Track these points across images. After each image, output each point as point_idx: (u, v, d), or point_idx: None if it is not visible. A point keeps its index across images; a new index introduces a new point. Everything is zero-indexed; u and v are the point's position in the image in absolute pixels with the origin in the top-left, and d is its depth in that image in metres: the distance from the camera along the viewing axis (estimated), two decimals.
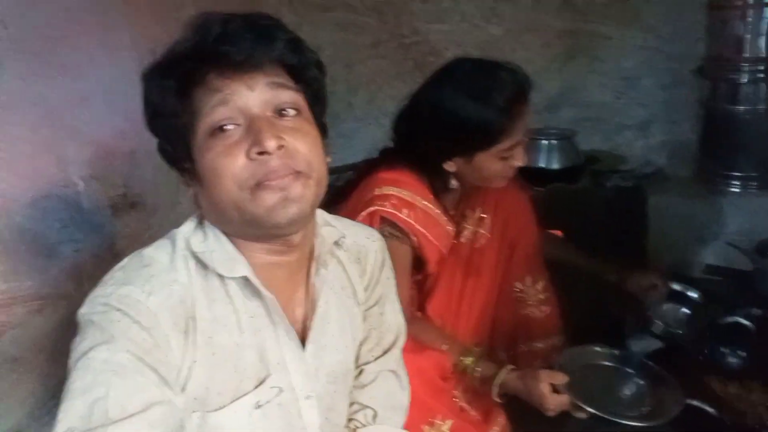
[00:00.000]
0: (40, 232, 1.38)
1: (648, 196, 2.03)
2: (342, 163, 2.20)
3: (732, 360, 1.41)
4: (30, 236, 1.37)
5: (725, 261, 1.85)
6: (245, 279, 0.81)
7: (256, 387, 0.82)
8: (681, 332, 1.43)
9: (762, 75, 1.82)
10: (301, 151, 0.77)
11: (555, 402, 1.19)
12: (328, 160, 0.85)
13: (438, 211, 1.36)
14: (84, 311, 0.76)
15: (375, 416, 1.00)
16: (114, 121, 1.57)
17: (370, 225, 1.26)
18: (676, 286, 1.50)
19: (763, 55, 1.80)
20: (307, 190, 0.78)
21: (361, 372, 1.02)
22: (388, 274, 1.04)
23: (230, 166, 0.75)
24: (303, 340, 0.88)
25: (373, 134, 2.41)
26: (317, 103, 0.85)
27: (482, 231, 1.45)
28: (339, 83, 2.43)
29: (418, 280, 1.45)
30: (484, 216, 1.46)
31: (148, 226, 1.59)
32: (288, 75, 0.80)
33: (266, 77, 0.77)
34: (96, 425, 0.68)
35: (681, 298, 1.50)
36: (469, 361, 1.30)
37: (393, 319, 1.05)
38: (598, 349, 1.35)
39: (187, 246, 0.82)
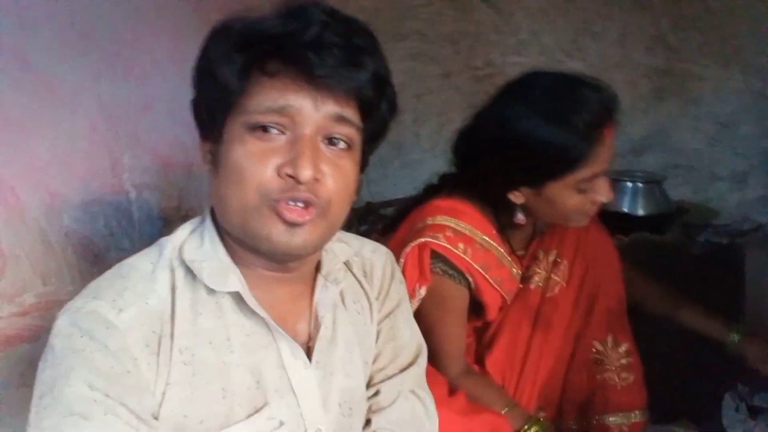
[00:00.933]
0: (87, 237, 1.34)
1: (746, 255, 1.81)
2: (404, 194, 2.11)
3: None
4: (76, 239, 1.32)
5: None
6: (238, 295, 0.75)
7: (250, 416, 0.73)
8: None
9: None
10: (331, 189, 0.73)
11: None
12: (355, 198, 0.81)
13: (502, 250, 1.20)
14: (54, 329, 0.71)
15: None
16: (174, 132, 1.53)
17: (419, 259, 1.13)
18: None
19: None
20: (317, 232, 0.73)
21: (377, 393, 0.90)
22: (398, 288, 0.96)
23: (258, 173, 0.70)
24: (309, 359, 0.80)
25: (439, 167, 2.30)
26: (373, 140, 0.80)
27: (557, 278, 1.27)
28: (407, 113, 2.35)
29: (477, 328, 1.28)
30: (560, 260, 1.27)
31: None
32: (358, 108, 0.75)
33: (336, 106, 0.72)
34: None
35: None
36: (533, 429, 1.13)
37: (408, 335, 0.95)
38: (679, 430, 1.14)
39: (177, 254, 0.77)
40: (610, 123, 1.07)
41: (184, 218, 1.52)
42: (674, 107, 2.13)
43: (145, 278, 0.74)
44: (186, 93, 1.52)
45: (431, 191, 1.26)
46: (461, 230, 1.15)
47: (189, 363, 0.72)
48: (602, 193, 1.10)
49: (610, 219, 1.45)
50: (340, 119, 0.73)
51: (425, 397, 0.94)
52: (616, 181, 1.87)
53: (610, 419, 1.27)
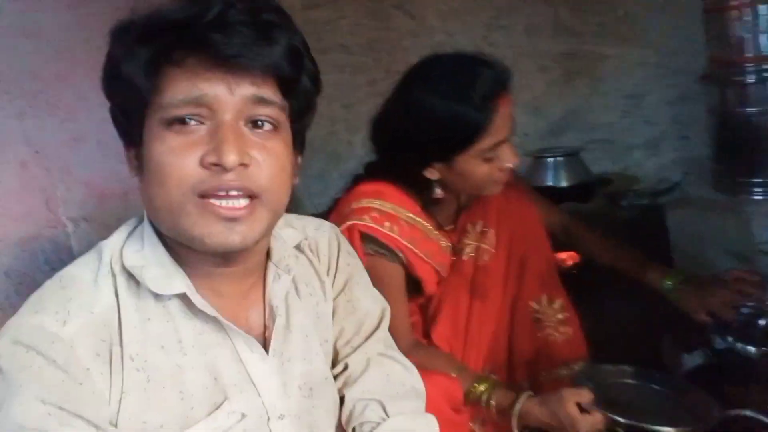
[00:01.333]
0: (29, 274, 1.34)
1: (667, 213, 1.95)
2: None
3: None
4: (17, 277, 1.32)
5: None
6: (185, 295, 0.72)
7: (210, 413, 0.72)
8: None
9: None
10: (265, 174, 0.69)
11: (588, 422, 1.05)
12: (296, 181, 0.78)
13: (428, 225, 1.26)
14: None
15: (385, 408, 0.87)
16: (107, 162, 1.54)
17: (351, 243, 1.18)
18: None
19: (767, 53, 1.75)
20: (257, 224, 0.70)
21: (345, 367, 0.90)
22: (348, 260, 0.94)
23: (179, 167, 0.67)
24: (264, 349, 0.79)
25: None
26: (301, 117, 0.76)
27: (486, 246, 1.33)
28: (338, 123, 2.42)
29: (421, 305, 1.34)
30: (487, 229, 1.34)
31: None
32: (277, 87, 0.71)
33: (252, 86, 0.68)
34: None
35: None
36: (482, 388, 1.17)
37: (368, 303, 0.94)
38: (615, 367, 1.22)
39: (117, 260, 0.73)
40: (504, 94, 1.15)
41: None
42: (584, 87, 2.28)
43: (88, 287, 0.71)
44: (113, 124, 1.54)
45: (357, 180, 1.31)
46: (386, 210, 1.20)
47: (142, 369, 0.70)
48: (507, 159, 1.17)
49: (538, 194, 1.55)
50: (260, 100, 0.69)
51: (396, 355, 0.94)
52: (537, 158, 1.99)
53: (558, 372, 1.33)
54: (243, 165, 0.67)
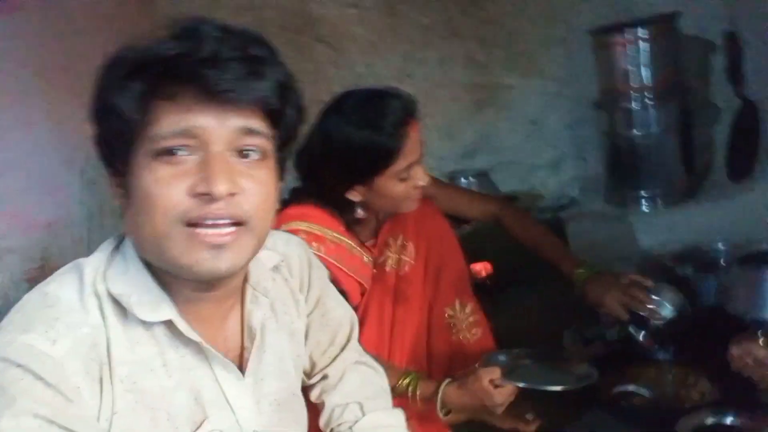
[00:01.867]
0: None
1: (565, 225, 2.14)
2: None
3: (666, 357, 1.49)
4: None
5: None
6: (170, 322, 0.73)
7: (194, 431, 0.76)
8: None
9: (650, 101, 2.00)
10: (252, 202, 0.70)
11: (501, 394, 1.19)
12: (277, 207, 0.80)
13: (351, 242, 1.37)
14: None
15: (362, 407, 0.95)
16: (32, 193, 1.55)
17: None
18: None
19: (647, 83, 1.99)
20: (244, 250, 0.71)
21: (324, 377, 0.97)
22: (319, 273, 0.98)
23: (168, 197, 0.67)
24: (240, 371, 0.82)
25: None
26: (285, 147, 0.77)
27: (406, 258, 1.45)
28: None
29: None
30: (407, 243, 1.46)
31: None
32: (265, 117, 0.72)
33: (240, 119, 0.69)
34: None
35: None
36: (407, 381, 1.27)
37: (340, 313, 1.00)
38: (513, 351, 1.38)
39: (101, 281, 0.73)
40: (412, 121, 1.28)
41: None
42: (492, 114, 2.47)
43: (74, 308, 0.70)
44: (36, 155, 1.55)
45: (283, 204, 1.40)
46: (313, 231, 1.29)
47: (131, 390, 0.71)
48: (419, 178, 1.31)
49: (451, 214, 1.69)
50: (248, 132, 0.70)
51: (368, 360, 1.02)
52: (451, 179, 2.15)
53: (464, 372, 1.43)
54: (231, 194, 0.68)
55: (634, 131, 2.05)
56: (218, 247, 0.68)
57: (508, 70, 2.43)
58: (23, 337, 0.66)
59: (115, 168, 0.72)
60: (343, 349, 0.99)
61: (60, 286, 0.72)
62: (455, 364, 1.45)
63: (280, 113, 0.73)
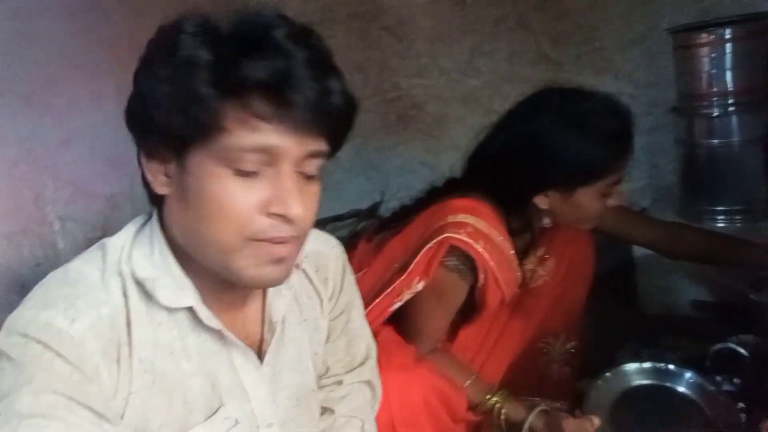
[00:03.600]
0: (13, 268, 1.38)
1: None
2: (331, 213, 2.21)
3: (726, 387, 1.36)
4: (2, 270, 1.36)
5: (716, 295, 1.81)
6: (191, 308, 0.74)
7: (207, 418, 0.75)
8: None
9: (732, 108, 1.86)
10: (309, 218, 0.71)
11: None
12: None
13: (512, 252, 1.25)
14: (1, 340, 0.67)
15: (362, 426, 0.94)
16: (95, 165, 1.59)
17: (434, 255, 1.17)
18: None
19: (731, 88, 1.85)
20: (294, 259, 0.73)
21: (339, 383, 0.96)
22: (351, 280, 0.97)
23: (241, 213, 0.67)
24: (260, 360, 0.82)
25: (360, 186, 2.44)
26: (332, 156, 0.77)
27: (542, 272, 1.34)
28: None
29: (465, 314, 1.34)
30: (549, 257, 1.35)
31: None
32: (329, 137, 0.71)
33: (315, 143, 0.69)
34: None
35: None
36: (495, 400, 1.20)
37: (361, 326, 0.98)
38: (628, 368, 1.21)
39: (126, 261, 0.72)
40: (630, 130, 1.19)
41: None
42: None
43: (96, 287, 0.70)
44: (103, 128, 1.59)
45: (438, 192, 1.31)
46: (481, 228, 1.18)
47: (149, 372, 0.71)
48: (619, 197, 1.21)
49: None
50: (318, 155, 0.70)
51: (377, 385, 1.00)
52: None
53: (539, 403, 1.31)
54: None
55: (714, 140, 1.90)
56: (280, 261, 0.70)
57: (580, 69, 2.31)
58: (44, 313, 0.67)
59: (159, 154, 0.69)
60: (361, 364, 0.97)
61: (83, 265, 0.73)
62: (529, 392, 1.35)
63: (342, 137, 0.73)
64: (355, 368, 0.97)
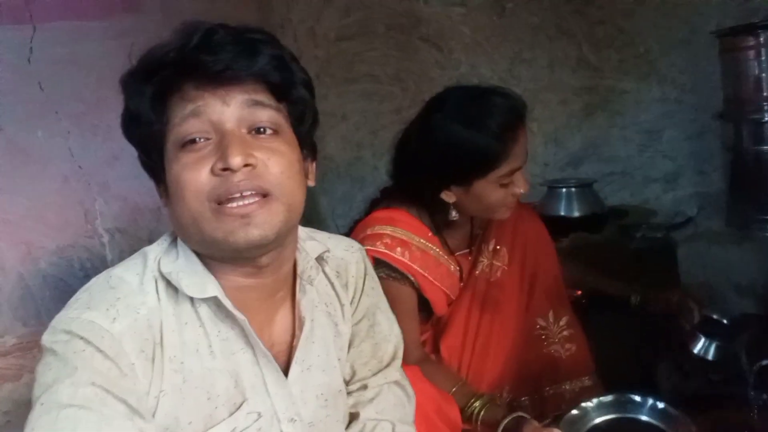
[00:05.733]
0: (64, 279, 1.45)
1: (678, 246, 1.96)
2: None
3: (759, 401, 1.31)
4: (53, 282, 1.43)
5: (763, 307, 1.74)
6: (216, 300, 0.77)
7: (231, 414, 0.78)
8: (715, 375, 1.33)
9: None
10: (273, 172, 0.74)
11: None
12: (310, 183, 0.84)
13: (438, 250, 1.32)
14: (47, 338, 0.73)
15: (393, 428, 0.94)
16: (141, 179, 1.64)
17: None
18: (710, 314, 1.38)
19: None
20: (274, 217, 0.74)
21: (364, 387, 0.96)
22: (373, 284, 0.99)
23: (194, 179, 0.72)
24: (288, 360, 0.84)
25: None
26: (302, 123, 0.81)
27: (498, 263, 1.38)
28: (365, 149, 2.51)
29: (433, 320, 1.39)
30: (500, 247, 1.39)
31: None
32: (270, 93, 0.77)
33: (244, 94, 0.74)
34: None
35: (714, 331, 1.38)
36: (477, 404, 1.21)
37: (388, 329, 0.99)
38: (598, 401, 1.20)
39: (157, 266, 0.78)
40: (520, 123, 1.22)
41: None
42: (603, 120, 2.32)
43: (135, 290, 0.76)
44: None
45: (373, 205, 1.38)
46: (398, 236, 1.26)
47: (179, 371, 0.75)
48: (520, 186, 1.24)
49: (549, 223, 1.60)
50: (254, 104, 0.74)
51: (406, 385, 1.00)
52: (551, 188, 2.04)
53: (562, 387, 1.37)
54: (249, 165, 0.72)
55: (763, 146, 1.83)
56: (246, 216, 0.72)
57: (622, 74, 2.28)
58: (87, 314, 0.72)
59: (157, 175, 0.79)
60: (387, 365, 0.98)
61: (125, 270, 0.79)
62: (545, 380, 1.37)
63: (284, 87, 0.77)
64: (380, 371, 0.97)
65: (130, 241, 1.63)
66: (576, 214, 1.97)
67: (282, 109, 0.78)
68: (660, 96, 2.24)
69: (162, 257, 0.79)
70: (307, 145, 0.84)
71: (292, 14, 2.61)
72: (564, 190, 2.00)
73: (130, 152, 1.62)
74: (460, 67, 2.45)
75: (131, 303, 0.75)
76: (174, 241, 0.82)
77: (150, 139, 0.76)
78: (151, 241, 1.73)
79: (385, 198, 1.37)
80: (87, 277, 1.50)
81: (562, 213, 1.97)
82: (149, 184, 1.75)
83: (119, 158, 1.59)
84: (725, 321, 1.37)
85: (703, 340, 1.32)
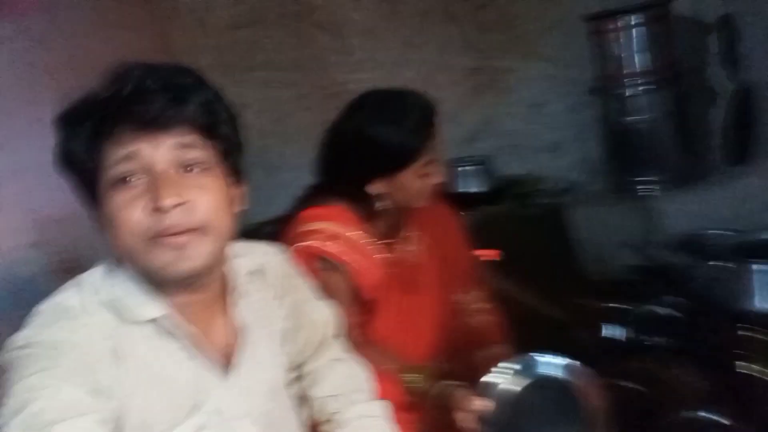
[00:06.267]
0: None
1: (566, 210, 2.19)
2: (283, 211, 2.27)
3: (657, 346, 1.54)
4: None
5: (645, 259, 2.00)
6: (160, 319, 0.83)
7: (193, 414, 0.85)
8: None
9: (643, 88, 2.03)
10: (201, 208, 0.79)
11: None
12: (238, 209, 0.89)
13: (366, 240, 1.42)
14: (6, 356, 0.76)
15: (345, 399, 1.04)
16: (51, 190, 1.60)
17: (300, 261, 1.30)
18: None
19: (642, 70, 2.02)
20: (203, 247, 0.80)
21: (304, 374, 1.06)
22: (295, 282, 1.07)
23: (128, 218, 0.77)
24: (233, 362, 0.92)
25: (308, 181, 2.50)
26: (229, 156, 0.87)
27: (414, 248, 1.51)
28: (270, 136, 2.52)
29: (365, 303, 1.47)
30: (413, 233, 1.52)
31: None
32: (198, 133, 0.82)
33: (173, 138, 0.79)
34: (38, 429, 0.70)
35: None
36: (415, 378, 1.32)
37: (317, 315, 1.08)
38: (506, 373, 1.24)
39: (98, 293, 0.83)
40: (432, 119, 1.36)
41: (68, 270, 1.59)
42: (492, 98, 2.51)
43: (82, 311, 0.81)
44: (51, 154, 1.60)
45: (303, 201, 1.45)
46: (330, 229, 1.35)
47: (139, 378, 0.81)
48: (437, 175, 1.38)
49: (450, 199, 1.74)
50: (184, 146, 0.79)
51: (348, 358, 1.09)
52: (451, 167, 2.20)
53: (478, 354, 1.50)
54: (179, 204, 0.77)
55: (629, 118, 2.08)
56: (179, 248, 0.78)
57: (506, 54, 2.46)
58: (48, 329, 0.78)
59: (91, 205, 0.84)
60: (322, 347, 1.08)
61: (67, 298, 0.83)
62: (463, 347, 1.52)
63: (210, 128, 0.82)
64: (319, 353, 1.07)
65: (47, 254, 1.58)
66: (473, 189, 2.14)
67: (209, 146, 0.83)
68: (541, 73, 2.45)
69: (101, 284, 0.85)
70: (236, 174, 0.90)
71: (180, 4, 2.56)
72: (460, 169, 2.15)
73: (33, 164, 1.57)
74: (355, 53, 2.53)
75: (84, 321, 0.80)
76: (110, 269, 0.87)
77: (83, 176, 0.81)
78: (71, 251, 1.69)
79: (313, 195, 1.45)
80: (2, 299, 1.45)
81: (461, 189, 2.13)
82: (58, 195, 1.70)
83: (22, 172, 1.54)
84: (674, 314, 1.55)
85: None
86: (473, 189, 2.15)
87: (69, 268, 1.58)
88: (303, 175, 2.55)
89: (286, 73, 2.57)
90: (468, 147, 2.48)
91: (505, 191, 2.27)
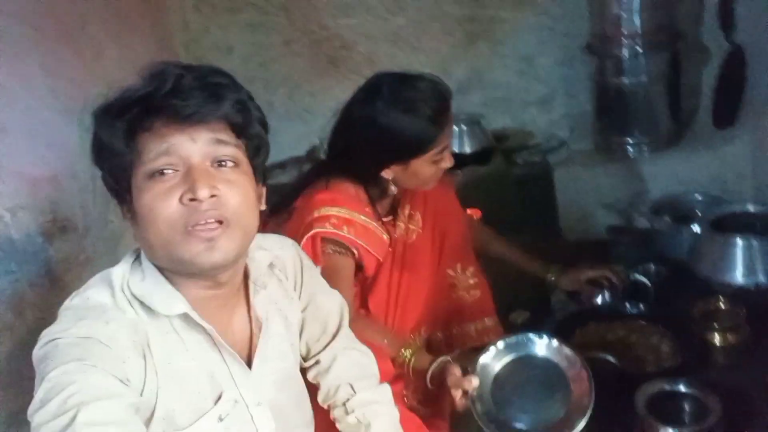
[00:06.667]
0: None
1: (553, 169, 2.21)
2: (269, 161, 2.26)
3: (633, 311, 1.62)
4: None
5: (627, 221, 2.05)
6: (185, 314, 0.88)
7: (216, 403, 0.91)
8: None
9: (640, 49, 2.01)
10: (232, 202, 0.85)
11: (462, 404, 1.24)
12: (262, 207, 0.94)
13: (375, 223, 1.47)
14: (41, 350, 0.81)
15: (352, 387, 1.12)
16: (36, 150, 1.57)
17: (313, 247, 1.37)
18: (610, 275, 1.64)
19: (639, 31, 1.99)
20: (231, 242, 0.85)
21: (317, 362, 1.13)
22: (310, 273, 1.14)
23: (164, 208, 0.82)
24: (250, 354, 0.98)
25: (296, 130, 2.48)
26: (257, 155, 0.93)
27: (413, 227, 1.56)
28: (256, 82, 2.45)
29: (361, 279, 1.53)
30: (414, 213, 1.56)
31: (82, 248, 1.61)
32: (231, 131, 0.87)
33: (210, 133, 0.85)
34: (68, 410, 0.74)
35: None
36: (408, 353, 1.38)
37: (330, 306, 1.15)
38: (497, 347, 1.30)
39: (126, 287, 0.88)
40: (448, 107, 1.38)
41: (62, 229, 1.58)
42: (485, 49, 2.46)
43: (112, 306, 0.86)
44: (36, 111, 1.56)
45: (310, 178, 1.49)
46: (343, 215, 1.40)
47: (167, 370, 0.87)
48: (448, 161, 1.42)
49: None
50: (218, 142, 0.85)
51: (359, 346, 1.18)
52: None
53: (467, 327, 1.62)
54: (213, 196, 0.83)
55: (624, 79, 2.07)
56: (210, 240, 0.83)
57: (500, 3, 2.39)
58: (80, 322, 0.83)
59: (121, 197, 0.89)
60: (334, 337, 1.15)
61: (97, 293, 0.88)
62: (454, 321, 1.61)
63: (243, 125, 0.88)
64: (329, 343, 1.14)
65: (34, 216, 1.57)
66: (467, 150, 2.14)
67: (240, 144, 0.89)
68: (534, 24, 2.39)
69: (130, 278, 0.89)
70: (260, 173, 0.95)
71: None
72: (455, 128, 2.14)
73: (18, 122, 1.53)
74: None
75: (115, 315, 0.85)
76: (137, 259, 0.91)
77: (120, 169, 0.85)
78: (55, 213, 1.69)
79: (323, 176, 1.47)
80: None
81: (456, 150, 2.12)
82: (44, 153, 1.67)
83: (6, 131, 1.49)
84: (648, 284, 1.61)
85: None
86: (466, 150, 2.15)
87: (62, 228, 1.59)
88: (290, 123, 2.54)
89: (273, 16, 2.47)
90: (460, 98, 2.42)
91: (493, 151, 2.26)
